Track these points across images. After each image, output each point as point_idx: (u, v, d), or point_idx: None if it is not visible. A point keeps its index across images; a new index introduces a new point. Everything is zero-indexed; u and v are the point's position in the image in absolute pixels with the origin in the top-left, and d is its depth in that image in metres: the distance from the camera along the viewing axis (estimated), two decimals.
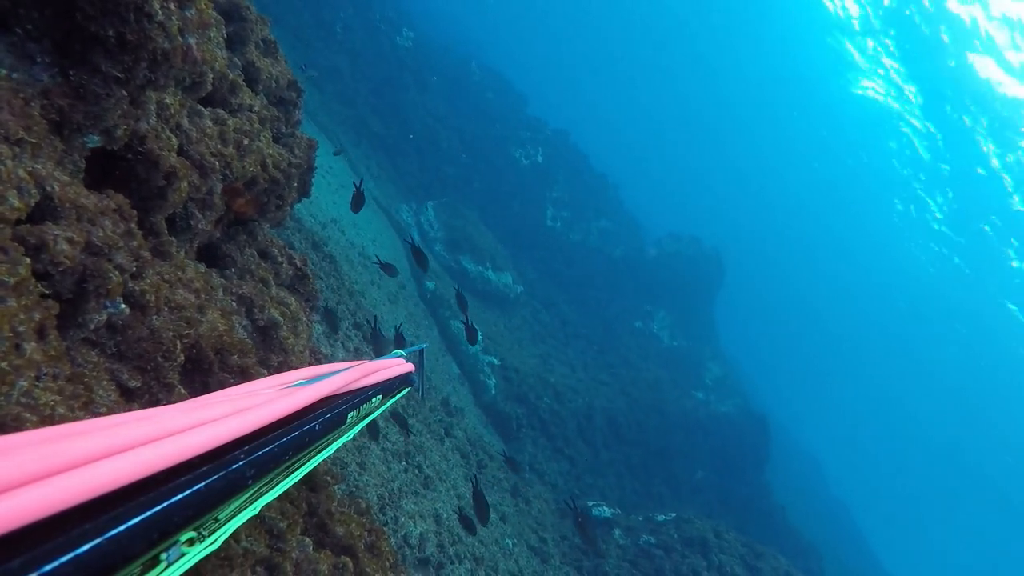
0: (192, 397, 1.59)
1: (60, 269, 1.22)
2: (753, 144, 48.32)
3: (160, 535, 0.61)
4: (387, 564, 1.89)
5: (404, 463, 7.24)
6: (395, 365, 1.65)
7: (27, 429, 0.97)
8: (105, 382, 1.29)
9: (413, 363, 1.88)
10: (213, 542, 0.71)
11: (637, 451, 13.70)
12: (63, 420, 1.07)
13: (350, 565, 1.67)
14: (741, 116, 47.04)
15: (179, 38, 1.54)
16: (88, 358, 1.32)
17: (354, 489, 5.94)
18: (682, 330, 19.74)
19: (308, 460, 1.04)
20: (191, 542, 0.67)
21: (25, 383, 1.00)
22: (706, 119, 51.23)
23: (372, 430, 6.58)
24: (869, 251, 42.95)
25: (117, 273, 1.34)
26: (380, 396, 1.46)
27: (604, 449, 13.19)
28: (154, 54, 1.46)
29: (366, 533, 1.89)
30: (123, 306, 1.42)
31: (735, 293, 31.22)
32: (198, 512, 0.68)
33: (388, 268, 6.94)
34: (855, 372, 52.23)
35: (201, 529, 0.70)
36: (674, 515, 11.19)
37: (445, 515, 7.11)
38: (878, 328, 47.46)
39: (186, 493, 0.66)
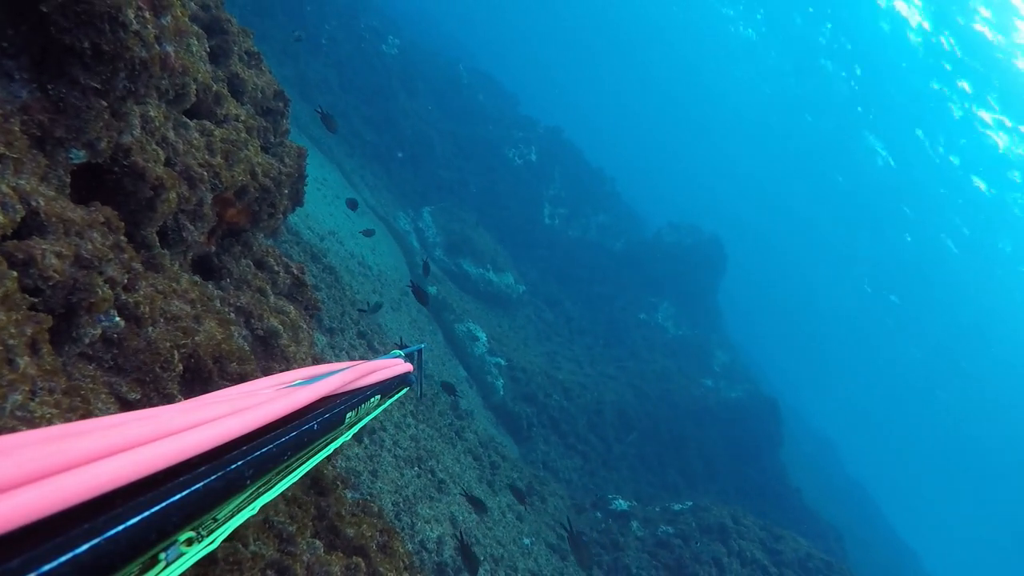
0: None
1: (50, 283, 1.21)
2: (750, 130, 48.21)
3: (159, 535, 0.60)
4: (401, 565, 1.87)
5: (416, 468, 7.22)
6: (393, 365, 1.63)
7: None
8: (104, 395, 1.27)
9: (411, 363, 1.87)
10: (212, 542, 0.70)
11: (649, 442, 13.66)
12: None
13: (363, 565, 1.65)
14: (736, 104, 46.95)
15: (156, 46, 1.52)
16: (85, 372, 1.30)
17: (368, 497, 5.92)
18: (687, 319, 19.69)
19: (307, 460, 1.03)
20: (190, 542, 0.66)
21: (19, 396, 0.99)
22: (700, 108, 51.18)
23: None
24: (873, 231, 42.77)
25: (107, 286, 1.33)
26: (378, 396, 1.45)
27: (616, 442, 13.16)
28: (132, 63, 1.45)
29: (378, 534, 1.87)
30: (118, 319, 1.40)
31: (739, 279, 31.19)
32: (197, 512, 0.67)
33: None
34: (864, 351, 52.03)
35: (200, 529, 0.69)
36: (691, 504, 11.15)
37: (461, 518, 7.10)
38: (884, 305, 47.27)
39: (185, 493, 0.66)
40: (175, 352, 1.51)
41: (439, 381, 8.40)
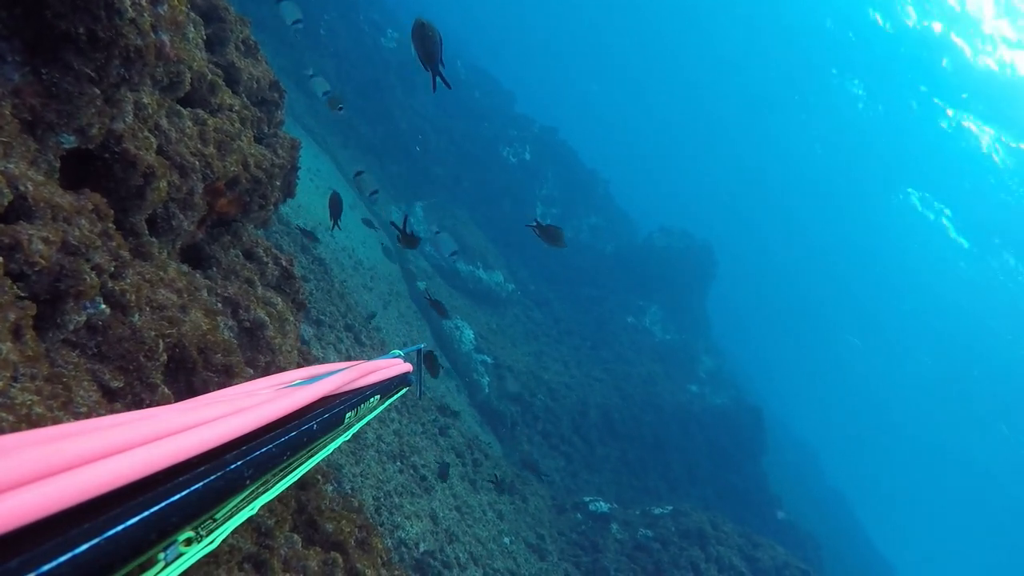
0: (176, 397, 1.56)
1: (36, 269, 1.19)
2: (742, 135, 48.61)
3: (158, 535, 0.60)
4: (379, 560, 1.87)
5: (399, 464, 7.20)
6: (393, 365, 1.62)
7: (3, 428, 0.95)
8: (86, 383, 1.26)
9: (411, 363, 1.86)
10: (211, 542, 0.69)
11: (632, 446, 13.76)
12: (40, 420, 1.06)
13: (340, 561, 1.64)
14: (729, 107, 47.29)
15: (152, 35, 1.50)
16: (68, 359, 1.29)
17: (349, 491, 5.89)
18: (675, 324, 19.85)
19: (306, 460, 1.02)
20: (189, 542, 0.66)
21: (0, 382, 0.97)
22: (694, 111, 51.50)
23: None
24: (862, 240, 43.44)
25: (94, 273, 1.31)
26: (378, 396, 1.44)
27: (599, 445, 13.23)
28: (127, 51, 1.42)
29: (356, 529, 1.86)
30: (103, 306, 1.38)
31: (727, 286, 31.41)
32: (196, 512, 0.67)
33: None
34: (848, 362, 52.69)
35: (199, 529, 0.68)
36: (671, 508, 11.25)
37: (441, 514, 7.09)
38: (871, 318, 48.03)
39: (184, 493, 0.66)
40: (160, 341, 1.49)
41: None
